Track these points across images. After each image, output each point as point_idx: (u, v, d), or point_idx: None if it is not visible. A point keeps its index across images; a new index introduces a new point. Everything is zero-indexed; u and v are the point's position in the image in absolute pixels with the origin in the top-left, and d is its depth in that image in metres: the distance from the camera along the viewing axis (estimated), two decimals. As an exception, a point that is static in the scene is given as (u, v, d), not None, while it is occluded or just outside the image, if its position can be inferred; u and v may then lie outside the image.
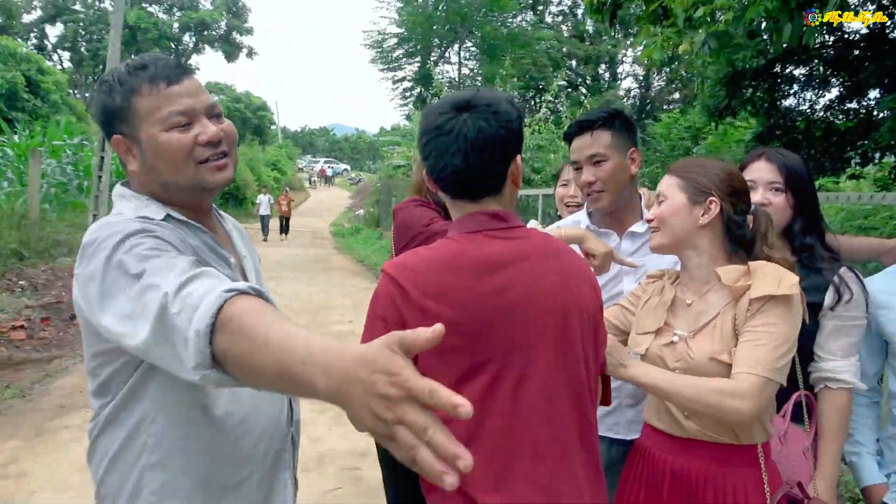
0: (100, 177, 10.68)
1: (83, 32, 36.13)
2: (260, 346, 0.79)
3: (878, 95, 9.85)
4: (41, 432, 4.29)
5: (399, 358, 0.63)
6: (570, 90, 22.73)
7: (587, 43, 24.12)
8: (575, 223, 2.01)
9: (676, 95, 21.37)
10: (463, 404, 0.58)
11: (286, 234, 18.80)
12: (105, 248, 1.05)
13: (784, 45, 9.50)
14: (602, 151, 1.81)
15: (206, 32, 39.93)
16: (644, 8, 4.27)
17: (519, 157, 1.32)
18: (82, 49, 36.27)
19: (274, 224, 18.83)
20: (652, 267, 1.90)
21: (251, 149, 29.19)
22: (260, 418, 1.27)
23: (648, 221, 1.64)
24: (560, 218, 2.33)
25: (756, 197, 1.74)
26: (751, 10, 2.99)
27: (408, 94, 27.72)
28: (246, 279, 1.34)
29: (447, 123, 1.24)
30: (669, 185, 1.60)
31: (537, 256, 1.28)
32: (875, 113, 9.51)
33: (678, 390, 1.42)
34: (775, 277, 1.44)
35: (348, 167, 52.76)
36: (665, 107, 20.88)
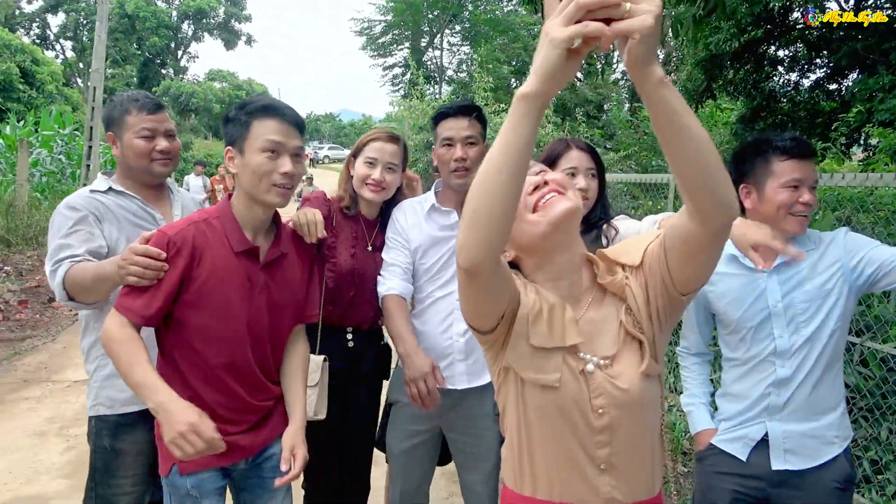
0: (88, 165, 10.84)
1: (84, 21, 36.18)
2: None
3: (856, 78, 9.87)
4: (0, 402, 4.56)
5: None
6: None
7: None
8: (423, 200, 2.25)
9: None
10: None
11: None
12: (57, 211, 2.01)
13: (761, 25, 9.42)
14: (474, 134, 2.15)
15: (204, 20, 39.91)
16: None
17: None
18: (83, 38, 36.38)
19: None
20: None
21: (251, 136, 28.70)
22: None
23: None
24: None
25: (580, 183, 1.92)
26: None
27: (397, 80, 27.75)
28: None
29: None
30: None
31: None
32: (854, 94, 9.44)
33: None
34: (637, 249, 1.21)
35: (354, 153, 51.91)
36: (656, 90, 20.84)
